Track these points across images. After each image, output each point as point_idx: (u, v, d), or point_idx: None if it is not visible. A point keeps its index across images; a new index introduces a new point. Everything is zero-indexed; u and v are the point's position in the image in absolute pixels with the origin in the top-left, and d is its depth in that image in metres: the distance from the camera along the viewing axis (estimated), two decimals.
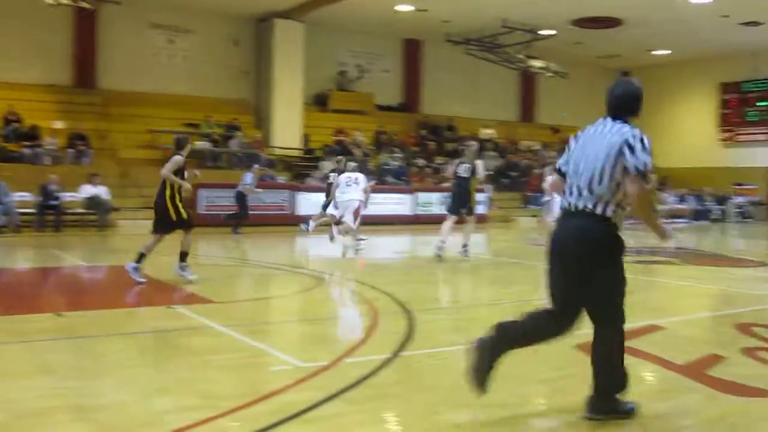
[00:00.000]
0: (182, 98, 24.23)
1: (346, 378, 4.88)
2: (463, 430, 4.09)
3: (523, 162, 28.29)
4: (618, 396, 4.26)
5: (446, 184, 23.82)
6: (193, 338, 6.18)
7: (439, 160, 26.75)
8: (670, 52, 30.01)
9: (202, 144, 22.61)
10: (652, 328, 6.79)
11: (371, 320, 6.99)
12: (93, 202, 18.08)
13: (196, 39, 24.88)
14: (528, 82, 31.95)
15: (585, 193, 4.06)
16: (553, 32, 25.19)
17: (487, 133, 29.16)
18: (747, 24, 24.77)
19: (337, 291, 9.15)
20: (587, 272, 4.12)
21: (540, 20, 24.10)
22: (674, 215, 27.86)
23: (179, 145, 9.75)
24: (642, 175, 3.92)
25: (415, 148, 27.11)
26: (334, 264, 12.90)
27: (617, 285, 4.23)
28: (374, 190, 15.98)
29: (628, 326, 6.86)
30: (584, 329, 6.75)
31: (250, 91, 25.89)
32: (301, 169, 23.81)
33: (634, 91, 4.26)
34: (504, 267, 12.86)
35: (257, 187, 19.35)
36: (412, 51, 29.20)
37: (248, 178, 19.18)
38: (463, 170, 12.70)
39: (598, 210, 4.03)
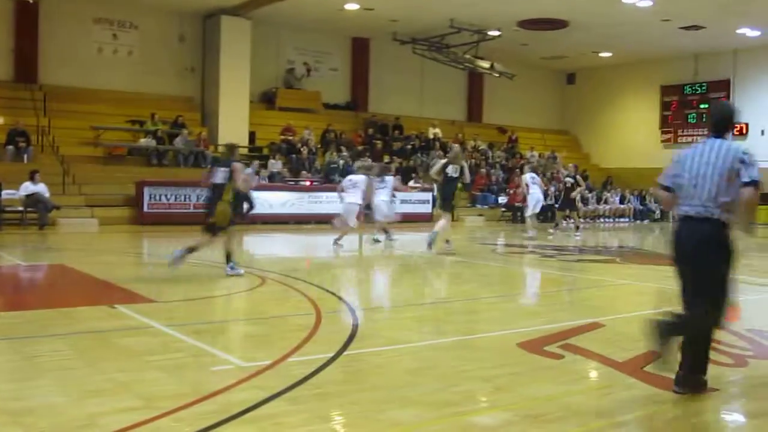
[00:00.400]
0: (126, 94, 23.85)
1: (289, 377, 4.84)
2: (406, 428, 4.09)
3: (470, 161, 28.46)
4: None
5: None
6: (133, 338, 6.08)
7: (386, 159, 26.77)
8: (612, 54, 30.54)
9: (146, 141, 22.29)
10: (593, 326, 6.89)
11: (315, 319, 6.96)
12: (33, 200, 17.63)
13: (141, 34, 24.49)
14: (475, 82, 32.21)
15: (708, 203, 4.64)
16: (498, 33, 25.42)
17: (433, 132, 29.30)
18: (688, 28, 25.33)
19: (282, 290, 9.08)
20: (708, 270, 4.68)
21: (487, 21, 24.31)
22: (616, 215, 28.39)
23: (233, 151, 10.35)
24: (756, 183, 4.55)
25: (363, 146, 27.07)
26: (278, 263, 12.83)
27: (727, 285, 4.69)
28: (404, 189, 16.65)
29: (569, 323, 6.99)
30: (527, 326, 6.84)
31: (196, 88, 25.58)
32: (248, 168, 23.59)
33: (730, 112, 4.99)
34: (451, 265, 12.92)
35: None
36: (359, 50, 29.17)
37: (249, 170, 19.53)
38: (452, 171, 13.24)
39: (720, 217, 4.63)
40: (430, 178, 14.03)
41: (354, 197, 14.30)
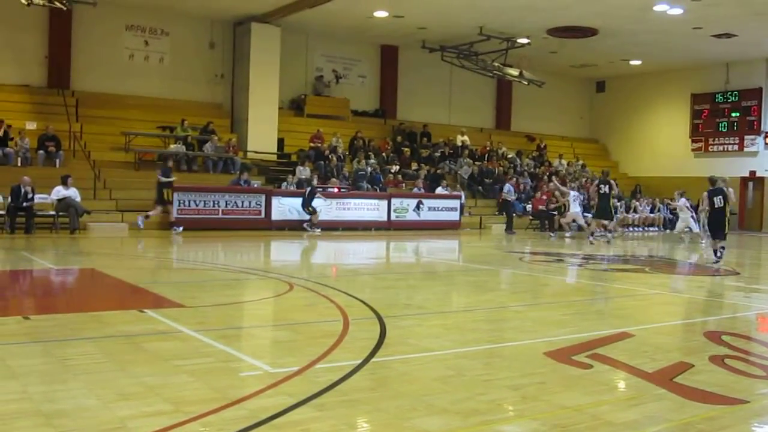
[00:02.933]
0: (157, 101, 24.13)
1: (317, 384, 4.85)
2: None
3: (498, 169, 28.40)
4: None
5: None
6: (162, 343, 6.12)
7: (414, 166, 26.79)
8: (642, 62, 30.32)
9: (176, 147, 22.49)
10: (622, 336, 6.84)
11: (343, 326, 6.97)
12: (65, 205, 17.85)
13: (172, 41, 24.77)
14: (503, 89, 32.13)
15: None
16: (527, 41, 25.36)
17: (461, 139, 29.29)
18: (719, 36, 25.09)
19: (310, 296, 9.11)
20: None
21: (516, 29, 24.27)
22: (645, 224, 28.14)
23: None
24: None
25: (391, 154, 27.12)
26: (306, 269, 12.88)
27: None
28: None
29: (598, 333, 6.95)
30: (555, 335, 6.80)
31: (225, 94, 25.81)
32: (276, 174, 23.74)
33: None
34: (477, 273, 12.89)
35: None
36: (388, 57, 29.25)
37: (509, 187, 24.53)
38: (718, 201, 14.79)
39: None
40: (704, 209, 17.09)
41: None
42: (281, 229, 20.68)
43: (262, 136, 24.82)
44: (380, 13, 23.75)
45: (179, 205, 19.50)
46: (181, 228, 19.12)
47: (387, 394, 4.85)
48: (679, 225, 22.44)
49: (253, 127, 24.77)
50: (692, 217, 22.32)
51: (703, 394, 4.92)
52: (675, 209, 24.37)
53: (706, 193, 15.64)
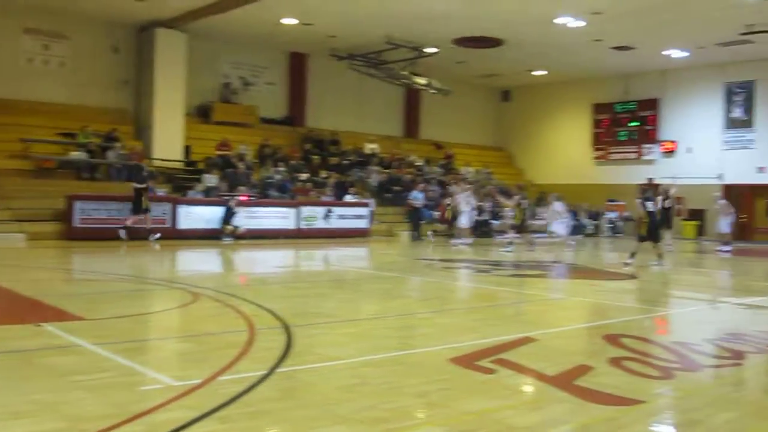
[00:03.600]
0: (58, 106, 23.31)
1: (221, 396, 4.77)
2: None
3: (407, 177, 28.60)
4: None
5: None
6: (59, 357, 5.91)
7: (323, 174, 26.74)
8: (546, 72, 31.12)
9: (78, 154, 21.80)
10: (524, 340, 6.97)
11: (249, 336, 6.88)
12: None
13: (73, 45, 23.98)
14: (412, 98, 32.42)
15: None
16: (435, 50, 25.67)
17: (370, 147, 29.40)
18: (619, 48, 25.98)
19: (215, 306, 8.96)
20: None
21: (423, 38, 24.53)
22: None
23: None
24: None
25: (300, 161, 26.98)
26: (212, 278, 12.67)
27: None
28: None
29: (502, 338, 7.06)
30: (460, 342, 6.87)
31: (129, 100, 25.16)
32: (183, 182, 23.29)
33: None
34: (386, 281, 12.94)
35: None
36: (297, 64, 29.10)
37: (417, 194, 24.29)
38: (651, 206, 15.82)
39: None
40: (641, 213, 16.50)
41: None
42: (188, 239, 20.29)
43: (168, 143, 24.29)
44: (289, 21, 23.61)
45: (81, 214, 18.90)
46: (158, 235, 19.11)
47: (292, 404, 4.81)
48: (556, 227, 23.18)
49: (158, 134, 24.22)
50: (562, 221, 23.27)
51: (603, 396, 5.06)
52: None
53: (638, 201, 16.33)
